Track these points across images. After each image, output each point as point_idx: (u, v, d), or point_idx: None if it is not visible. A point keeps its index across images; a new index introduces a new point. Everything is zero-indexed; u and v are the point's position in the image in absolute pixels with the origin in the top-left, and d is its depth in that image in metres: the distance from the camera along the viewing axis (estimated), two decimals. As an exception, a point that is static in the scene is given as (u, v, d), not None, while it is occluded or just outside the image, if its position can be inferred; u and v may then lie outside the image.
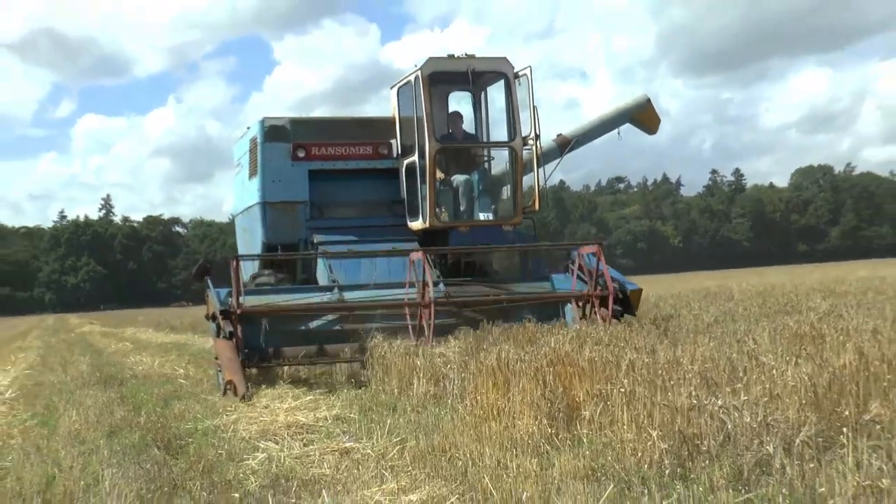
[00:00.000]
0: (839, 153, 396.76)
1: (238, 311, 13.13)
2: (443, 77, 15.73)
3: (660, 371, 7.97)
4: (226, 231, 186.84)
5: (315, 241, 15.65)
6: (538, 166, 16.09)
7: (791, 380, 7.46)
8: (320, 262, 15.40)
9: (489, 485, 6.34)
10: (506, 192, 16.72)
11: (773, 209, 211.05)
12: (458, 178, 16.16)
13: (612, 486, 6.01)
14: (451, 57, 15.60)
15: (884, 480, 5.35)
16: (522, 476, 6.46)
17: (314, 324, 14.07)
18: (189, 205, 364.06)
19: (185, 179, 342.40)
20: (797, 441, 6.29)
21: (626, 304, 14.87)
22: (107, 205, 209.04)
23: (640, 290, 15.56)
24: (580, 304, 14.76)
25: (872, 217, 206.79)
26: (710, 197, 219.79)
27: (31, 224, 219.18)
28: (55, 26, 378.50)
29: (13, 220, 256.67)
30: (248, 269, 15.56)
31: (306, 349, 13.60)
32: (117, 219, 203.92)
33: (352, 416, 10.17)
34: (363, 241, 15.65)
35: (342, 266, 14.94)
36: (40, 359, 28.22)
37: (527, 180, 16.33)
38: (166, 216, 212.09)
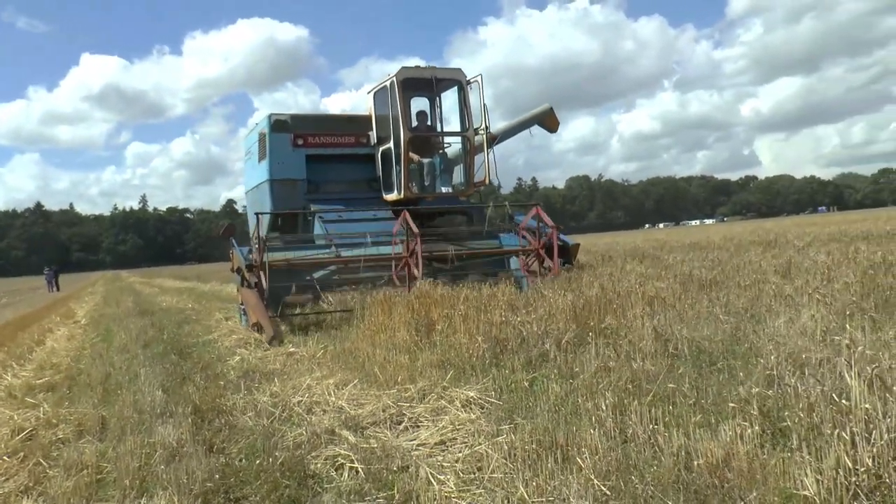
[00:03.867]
0: (596, 167, 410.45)
1: (260, 264, 10.66)
2: (412, 82, 13.39)
3: (483, 301, 8.05)
4: (219, 216, 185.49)
5: (312, 209, 13.22)
6: (488, 150, 13.92)
7: (561, 304, 7.58)
8: (317, 225, 12.94)
9: (378, 372, 6.32)
10: (459, 170, 14.45)
11: (555, 201, 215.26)
12: (423, 161, 13.97)
13: (453, 370, 6.06)
14: (417, 67, 13.52)
15: (611, 363, 5.48)
16: (399, 366, 6.43)
17: (317, 274, 11.68)
18: (198, 199, 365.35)
19: (196, 183, 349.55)
20: (563, 341, 6.39)
21: (567, 255, 12.94)
22: (143, 200, 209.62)
23: (578, 245, 13.62)
24: (526, 256, 12.55)
25: (612, 207, 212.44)
26: (518, 194, 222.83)
27: (97, 212, 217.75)
28: (120, 84, 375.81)
29: (88, 210, 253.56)
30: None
31: (304, 296, 11.40)
32: (150, 209, 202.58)
33: (254, 321, 10.02)
34: (349, 209, 13.41)
35: (338, 228, 12.65)
36: (102, 299, 27.55)
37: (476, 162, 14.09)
38: (181, 206, 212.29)
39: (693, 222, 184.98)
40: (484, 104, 13.71)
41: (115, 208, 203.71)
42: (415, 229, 11.10)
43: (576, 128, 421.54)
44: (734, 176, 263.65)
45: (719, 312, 7.14)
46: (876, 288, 7.71)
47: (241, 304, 11.49)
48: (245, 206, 16.64)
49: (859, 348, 3.97)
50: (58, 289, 48.96)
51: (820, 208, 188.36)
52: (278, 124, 13.87)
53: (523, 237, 12.80)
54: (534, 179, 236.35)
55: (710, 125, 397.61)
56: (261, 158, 14.27)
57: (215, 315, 14.21)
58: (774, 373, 4.57)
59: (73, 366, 9.29)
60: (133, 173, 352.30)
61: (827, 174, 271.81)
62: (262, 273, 10.62)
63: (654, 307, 7.56)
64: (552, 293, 8.62)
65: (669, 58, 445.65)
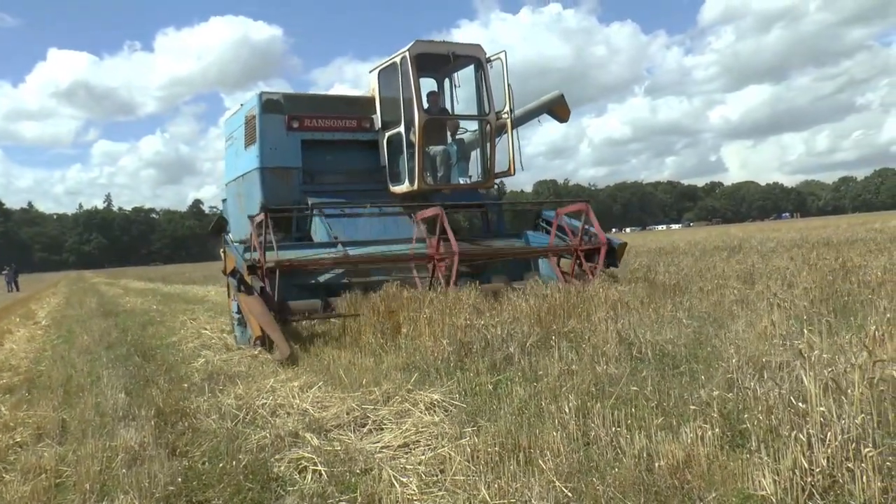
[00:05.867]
0: (565, 171, 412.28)
1: (268, 266, 9.05)
2: (427, 58, 11.55)
3: (448, 304, 8.04)
4: (186, 216, 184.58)
5: (310, 202, 11.42)
6: (512, 137, 12.28)
7: (525, 308, 7.64)
8: (317, 221, 11.30)
9: (343, 375, 6.31)
10: (475, 160, 12.76)
11: (522, 206, 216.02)
12: (434, 149, 12.23)
13: (417, 373, 6.06)
14: (432, 41, 11.84)
15: (574, 366, 5.53)
16: (364, 369, 6.44)
17: (323, 277, 10.10)
18: (166, 199, 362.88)
19: (164, 183, 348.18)
20: (527, 344, 6.45)
21: (612, 256, 10.86)
22: (108, 199, 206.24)
23: (625, 245, 11.44)
24: (560, 256, 11.10)
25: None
26: (486, 198, 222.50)
27: (61, 211, 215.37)
28: (89, 81, 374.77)
29: (53, 209, 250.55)
30: (238, 232, 11.44)
31: (310, 302, 9.43)
32: (115, 208, 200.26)
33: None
34: (351, 203, 11.56)
35: (341, 225, 11.07)
36: (65, 299, 27.24)
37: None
38: (147, 206, 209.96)
39: (660, 227, 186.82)
40: (508, 84, 12.20)
41: (80, 207, 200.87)
42: (453, 242, 9.72)
43: (546, 132, 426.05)
44: (701, 182, 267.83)
45: (683, 317, 7.23)
46: (834, 293, 7.88)
47: (237, 312, 9.60)
48: (223, 201, 14.81)
49: (815, 352, 4.05)
50: (17, 289, 48.20)
51: (784, 214, 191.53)
52: (270, 104, 11.90)
53: (558, 236, 11.40)
54: (502, 182, 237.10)
55: (679, 131, 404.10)
56: (248, 144, 12.32)
57: (180, 317, 14.09)
58: (735, 376, 4.64)
59: (32, 368, 9.16)
60: (100, 171, 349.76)
61: (792, 181, 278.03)
62: (266, 277, 9.03)
63: (617, 311, 7.63)
64: (517, 298, 8.65)
65: (641, 63, 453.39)
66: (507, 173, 12.58)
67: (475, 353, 6.48)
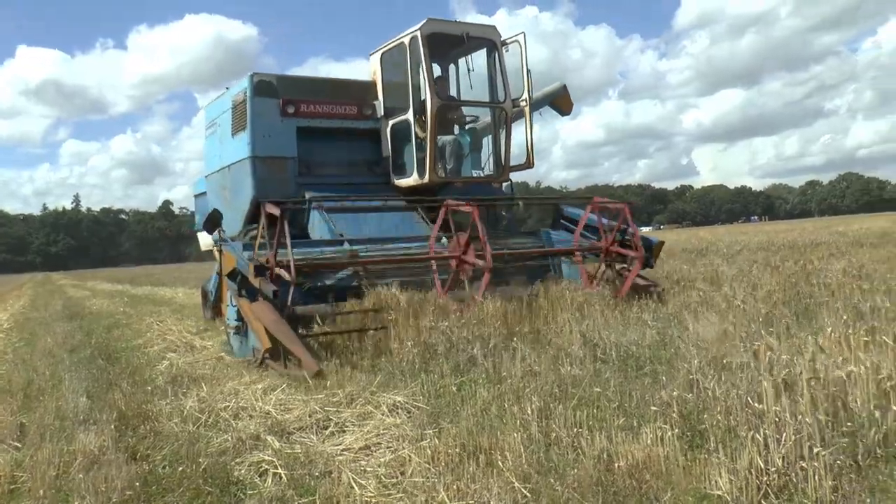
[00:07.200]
0: (538, 174, 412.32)
1: (282, 266, 7.75)
2: (438, 39, 10.51)
3: (414, 306, 8.02)
4: (156, 217, 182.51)
5: (307, 196, 10.00)
6: (529, 126, 11.35)
7: (490, 310, 7.64)
8: (317, 216, 10.07)
9: (307, 376, 6.29)
10: (486, 150, 11.75)
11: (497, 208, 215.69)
12: (444, 138, 11.17)
13: (381, 375, 6.05)
14: (444, 20, 10.68)
15: (534, 367, 5.55)
16: (328, 371, 6.39)
17: (331, 279, 8.87)
18: (137, 199, 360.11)
19: (135, 183, 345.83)
20: (491, 345, 6.46)
21: (648, 255, 9.72)
22: (76, 199, 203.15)
23: (662, 243, 10.37)
24: (584, 257, 10.10)
25: (551, 213, 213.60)
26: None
27: (28, 212, 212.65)
28: (60, 78, 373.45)
29: (20, 210, 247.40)
30: (227, 228, 9.74)
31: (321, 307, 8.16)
32: (84, 209, 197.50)
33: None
34: (353, 197, 10.45)
35: (345, 221, 9.97)
36: (30, 302, 26.78)
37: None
38: (116, 207, 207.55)
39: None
40: (528, 70, 11.27)
41: (44, 208, 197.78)
42: (488, 253, 8.41)
43: (519, 134, 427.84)
44: (671, 185, 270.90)
45: (648, 318, 7.29)
46: (796, 295, 7.98)
47: (237, 320, 8.20)
48: (197, 196, 13.51)
49: (768, 354, 4.10)
50: (-19, 292, 47.47)
51: (752, 218, 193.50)
52: (263, 87, 10.65)
53: (583, 235, 10.41)
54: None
55: (652, 134, 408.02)
56: (237, 130, 11.01)
57: (147, 319, 13.91)
58: (696, 377, 4.68)
59: (-9, 371, 9.01)
60: (70, 171, 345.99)
61: (761, 185, 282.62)
62: (281, 277, 7.82)
63: (583, 313, 7.67)
64: (483, 300, 8.57)
65: (615, 67, 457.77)
66: (526, 166, 11.70)
67: (440, 355, 6.48)
